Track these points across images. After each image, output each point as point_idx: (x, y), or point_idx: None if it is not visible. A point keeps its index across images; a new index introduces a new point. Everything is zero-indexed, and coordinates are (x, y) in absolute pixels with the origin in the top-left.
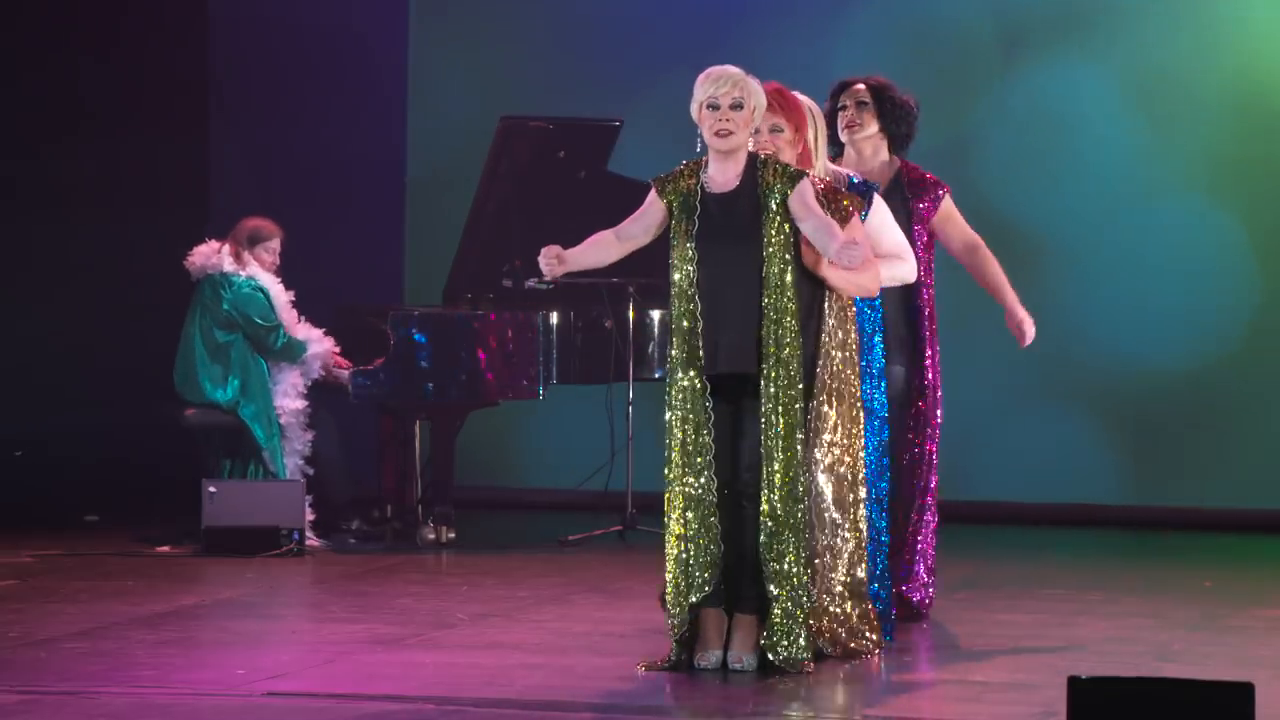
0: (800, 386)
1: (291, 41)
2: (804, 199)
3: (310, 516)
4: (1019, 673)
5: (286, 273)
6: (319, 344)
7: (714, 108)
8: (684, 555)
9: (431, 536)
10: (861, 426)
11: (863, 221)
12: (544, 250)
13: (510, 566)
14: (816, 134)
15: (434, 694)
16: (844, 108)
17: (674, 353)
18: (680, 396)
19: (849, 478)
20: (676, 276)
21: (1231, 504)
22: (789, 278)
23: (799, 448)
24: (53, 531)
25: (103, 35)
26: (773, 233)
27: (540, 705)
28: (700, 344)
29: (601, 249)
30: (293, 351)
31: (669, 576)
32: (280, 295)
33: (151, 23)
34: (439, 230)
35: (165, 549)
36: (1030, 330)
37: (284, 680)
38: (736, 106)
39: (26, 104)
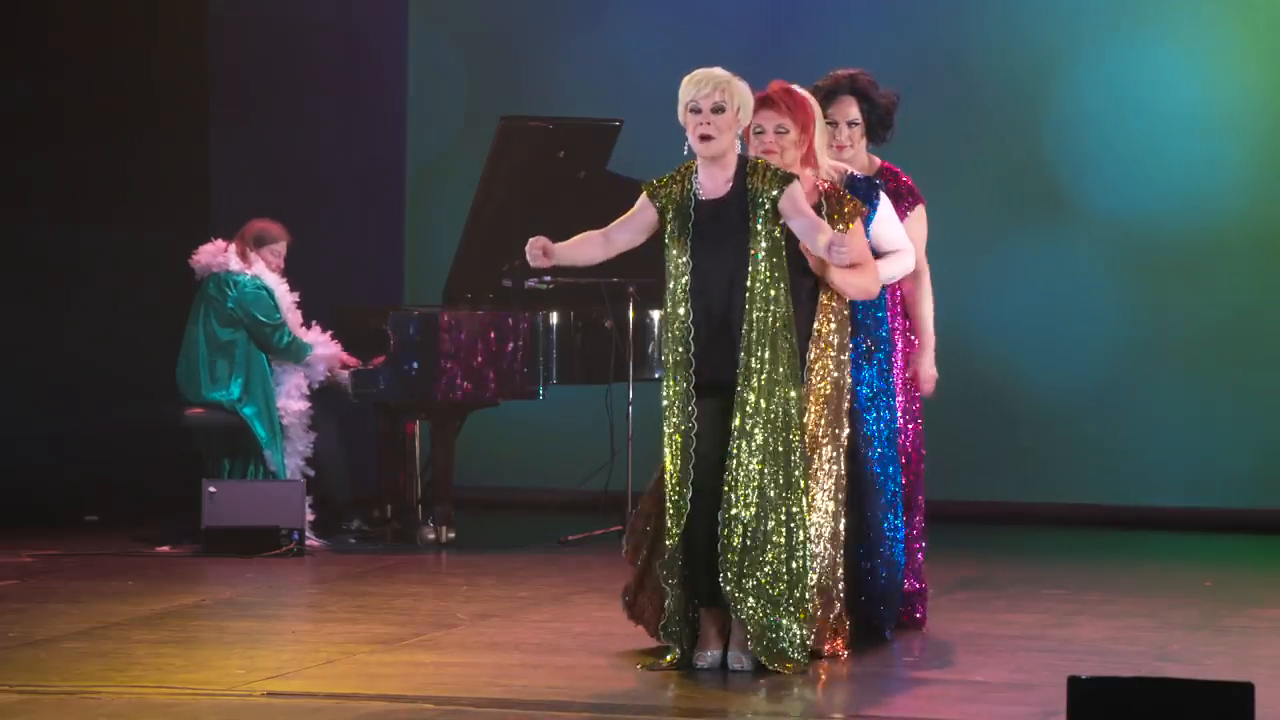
0: (788, 394)
1: (291, 42)
2: (793, 200)
3: (310, 516)
4: (1019, 673)
5: (287, 273)
6: (325, 346)
7: (696, 111)
8: (671, 561)
9: (431, 536)
10: (845, 436)
11: (869, 223)
12: (531, 241)
13: (510, 566)
14: (818, 129)
15: (434, 694)
16: (834, 124)
17: (667, 358)
18: (671, 402)
19: (831, 486)
20: (670, 284)
21: (1230, 504)
22: (778, 288)
23: (781, 459)
24: (53, 531)
25: (103, 36)
26: (761, 240)
27: (540, 705)
28: (691, 351)
29: (589, 247)
30: (298, 351)
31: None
32: (285, 296)
33: (151, 23)
34: (439, 230)
35: (165, 549)
36: (929, 387)
37: (284, 680)
38: (718, 110)
39: (27, 106)
